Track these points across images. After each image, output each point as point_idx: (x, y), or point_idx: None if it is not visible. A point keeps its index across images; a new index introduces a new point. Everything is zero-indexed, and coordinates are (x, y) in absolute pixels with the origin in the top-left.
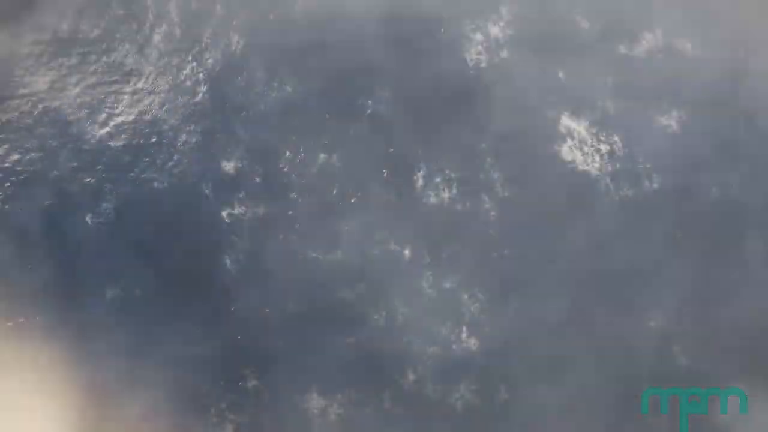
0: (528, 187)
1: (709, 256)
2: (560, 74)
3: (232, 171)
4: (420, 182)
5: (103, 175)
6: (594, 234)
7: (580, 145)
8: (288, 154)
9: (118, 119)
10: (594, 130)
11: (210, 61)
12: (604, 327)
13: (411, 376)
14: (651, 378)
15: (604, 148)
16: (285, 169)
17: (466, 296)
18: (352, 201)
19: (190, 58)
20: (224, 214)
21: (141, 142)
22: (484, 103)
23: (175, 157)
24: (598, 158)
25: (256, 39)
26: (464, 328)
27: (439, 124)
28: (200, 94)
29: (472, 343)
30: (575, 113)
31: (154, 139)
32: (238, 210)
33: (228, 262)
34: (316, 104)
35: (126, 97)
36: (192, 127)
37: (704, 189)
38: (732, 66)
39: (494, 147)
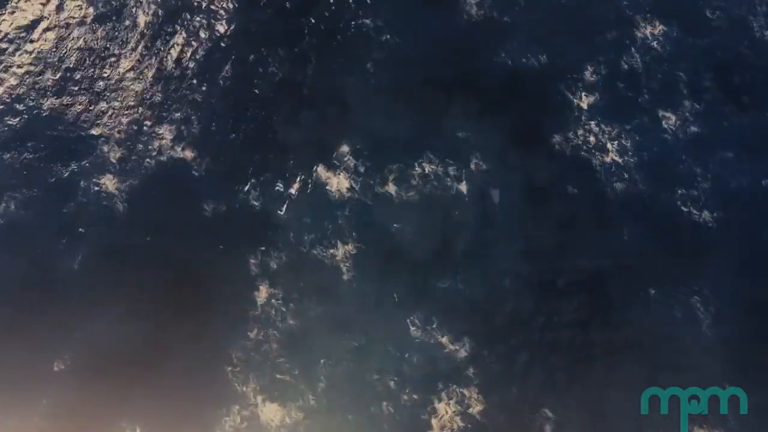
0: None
1: None
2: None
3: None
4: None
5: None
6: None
7: (575, 132)
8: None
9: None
10: (587, 117)
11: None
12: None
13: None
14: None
15: (598, 133)
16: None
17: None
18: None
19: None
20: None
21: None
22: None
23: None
24: (592, 144)
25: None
26: None
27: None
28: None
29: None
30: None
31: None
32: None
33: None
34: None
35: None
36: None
37: None
38: None
39: (484, 133)
